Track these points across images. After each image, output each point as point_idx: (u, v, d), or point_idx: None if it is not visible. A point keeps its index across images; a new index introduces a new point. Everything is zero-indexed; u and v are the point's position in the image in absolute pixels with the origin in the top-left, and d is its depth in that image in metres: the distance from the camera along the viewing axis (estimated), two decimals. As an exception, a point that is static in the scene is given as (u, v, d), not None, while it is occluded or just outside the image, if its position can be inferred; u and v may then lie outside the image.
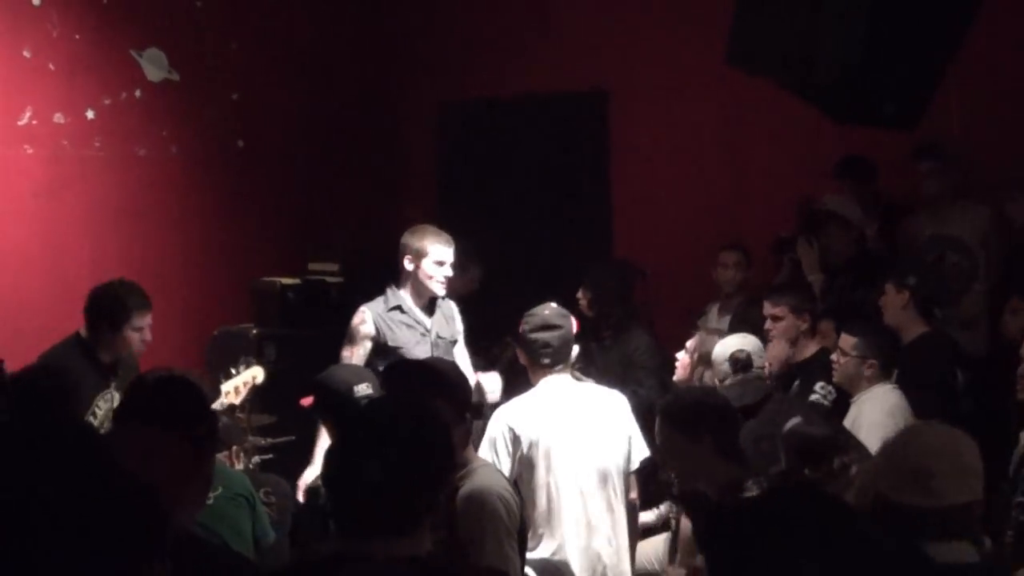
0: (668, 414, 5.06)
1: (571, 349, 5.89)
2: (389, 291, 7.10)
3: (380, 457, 3.09)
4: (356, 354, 6.93)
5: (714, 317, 8.35)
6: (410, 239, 7.09)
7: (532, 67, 9.92)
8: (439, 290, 7.07)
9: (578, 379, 6.00)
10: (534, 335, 5.80)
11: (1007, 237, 7.83)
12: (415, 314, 7.07)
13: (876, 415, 6.24)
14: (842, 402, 6.65)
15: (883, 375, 6.54)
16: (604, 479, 5.69)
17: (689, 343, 7.11)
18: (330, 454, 3.23)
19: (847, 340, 6.58)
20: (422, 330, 7.05)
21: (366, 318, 6.99)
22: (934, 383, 6.74)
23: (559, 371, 5.82)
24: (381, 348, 6.94)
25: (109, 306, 6.60)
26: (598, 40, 9.71)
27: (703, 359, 6.91)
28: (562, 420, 5.69)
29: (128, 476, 2.30)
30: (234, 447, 6.26)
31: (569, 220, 9.92)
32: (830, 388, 6.78)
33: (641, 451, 5.85)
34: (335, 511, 3.19)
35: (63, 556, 2.13)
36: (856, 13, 4.53)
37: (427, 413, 3.31)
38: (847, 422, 6.27)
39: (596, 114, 9.88)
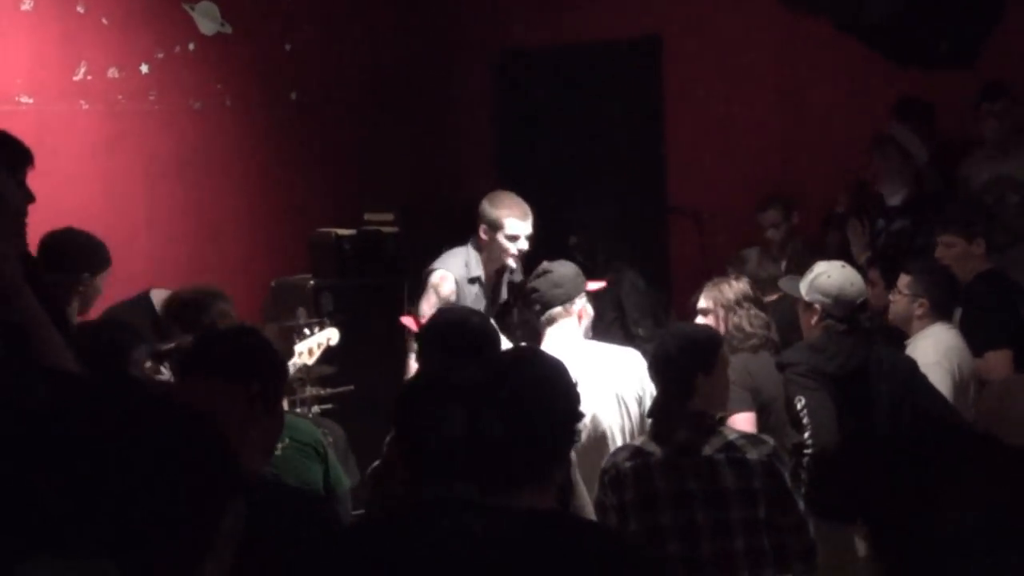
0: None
1: (566, 293, 5.60)
2: (469, 256, 7.01)
3: (499, 408, 3.09)
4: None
5: (754, 262, 8.12)
6: (487, 208, 6.93)
7: (586, 15, 9.88)
8: (512, 263, 7.02)
9: (588, 337, 5.73)
10: (528, 287, 5.68)
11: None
12: (488, 288, 7.05)
13: (930, 355, 6.16)
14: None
15: (936, 315, 6.45)
16: (601, 445, 5.37)
17: (704, 302, 6.37)
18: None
19: (903, 279, 6.50)
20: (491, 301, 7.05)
21: (448, 281, 6.93)
22: (996, 315, 6.67)
23: (560, 319, 5.58)
24: None
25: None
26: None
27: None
28: None
29: (196, 421, 2.33)
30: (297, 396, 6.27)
31: (624, 167, 9.89)
32: None
33: None
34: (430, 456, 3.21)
35: (141, 499, 2.17)
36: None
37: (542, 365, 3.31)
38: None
39: (650, 61, 9.83)
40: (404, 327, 6.76)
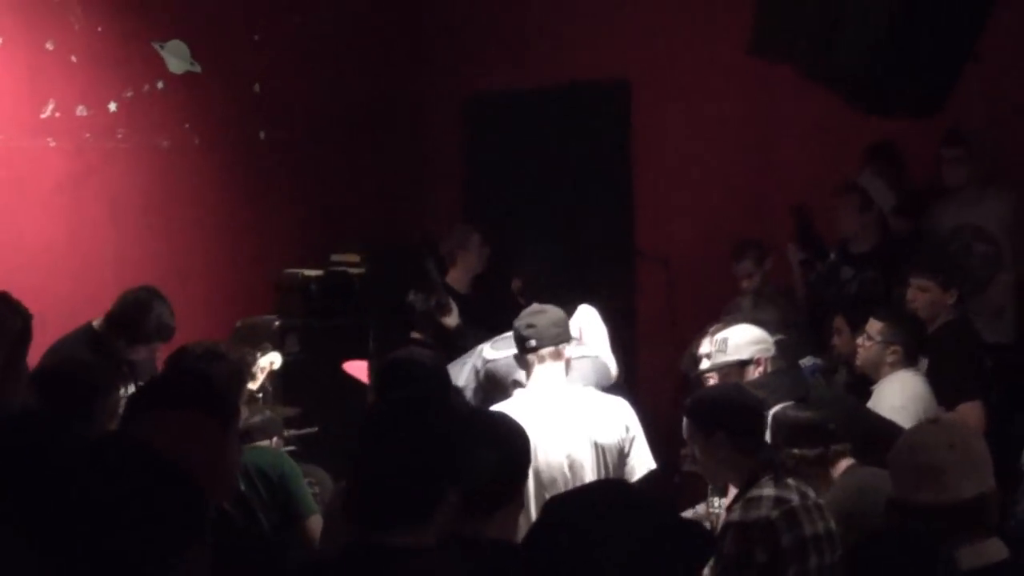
0: (687, 411, 5.08)
1: (561, 335, 5.58)
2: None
3: (388, 449, 3.17)
4: None
5: (748, 308, 8.18)
6: None
7: (555, 58, 9.90)
8: None
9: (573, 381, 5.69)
10: (519, 322, 5.62)
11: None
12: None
13: (897, 399, 6.24)
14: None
15: (906, 361, 6.53)
16: None
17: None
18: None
19: (874, 325, 6.59)
20: None
21: None
22: (965, 366, 6.72)
23: (549, 359, 5.52)
24: None
25: (132, 319, 6.60)
26: (621, 30, 9.68)
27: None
28: (542, 428, 5.17)
29: (167, 464, 2.34)
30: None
31: (592, 211, 9.90)
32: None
33: (644, 463, 5.49)
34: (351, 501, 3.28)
35: (111, 544, 2.18)
36: (878, 2, 4.53)
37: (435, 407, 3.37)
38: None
39: (619, 105, 9.86)
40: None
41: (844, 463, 5.35)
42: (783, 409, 5.49)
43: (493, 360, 6.34)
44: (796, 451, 5.31)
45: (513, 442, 3.82)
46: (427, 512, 3.16)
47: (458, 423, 3.45)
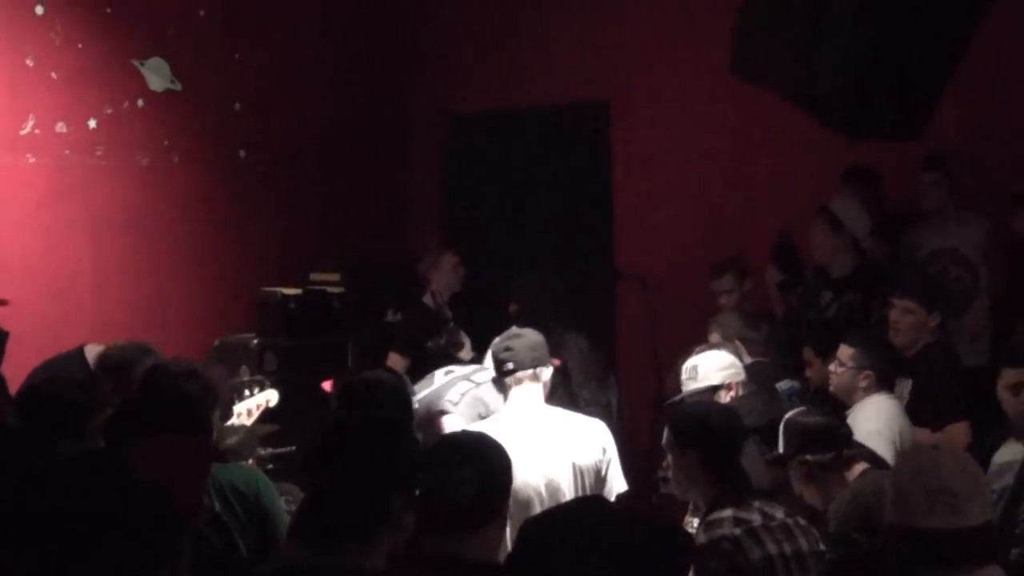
0: (669, 421, 5.10)
1: (539, 359, 5.56)
2: None
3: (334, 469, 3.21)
4: None
5: (739, 324, 8.13)
6: None
7: (536, 79, 9.93)
8: None
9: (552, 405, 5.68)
10: (498, 345, 5.62)
11: (1009, 251, 7.82)
12: None
13: (873, 424, 6.23)
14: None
15: (879, 386, 6.56)
16: None
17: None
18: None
19: (845, 351, 6.59)
20: None
21: None
22: (953, 386, 6.76)
23: (527, 382, 5.51)
24: None
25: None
26: (601, 53, 9.71)
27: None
28: (519, 450, 4.99)
29: (142, 484, 2.35)
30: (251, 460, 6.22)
31: (572, 231, 9.91)
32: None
33: (620, 484, 5.51)
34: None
35: (84, 564, 2.18)
36: (858, 24, 4.54)
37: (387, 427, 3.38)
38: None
39: (599, 126, 9.88)
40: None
41: (859, 467, 5.36)
42: (794, 415, 5.53)
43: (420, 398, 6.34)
44: (809, 457, 5.33)
45: (493, 460, 3.81)
46: (370, 532, 3.14)
47: (411, 442, 3.43)
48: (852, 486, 5.27)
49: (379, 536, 3.15)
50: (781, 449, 5.41)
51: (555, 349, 7.67)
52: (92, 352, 6.60)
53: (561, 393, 7.65)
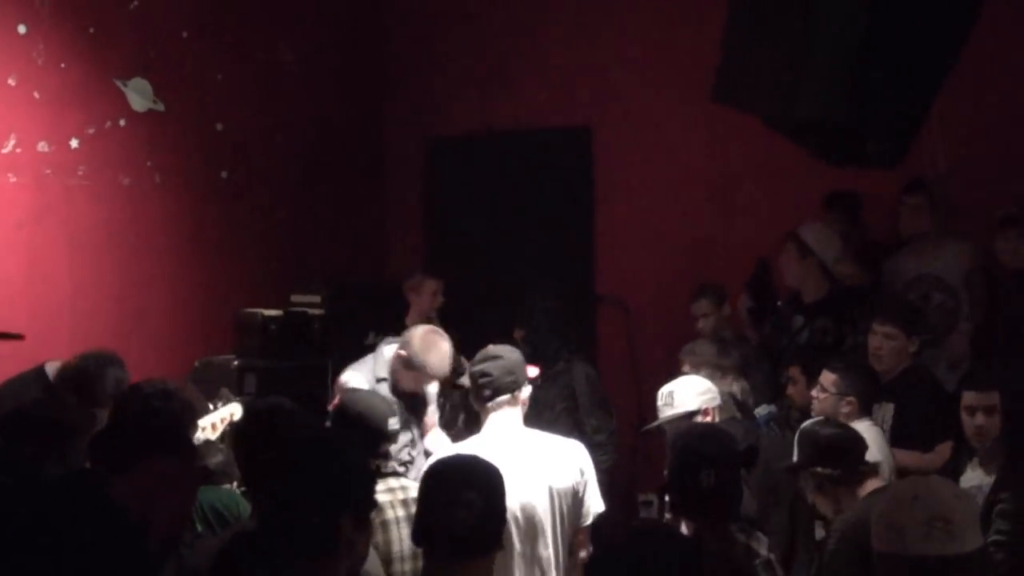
0: (672, 441, 5.14)
1: (516, 381, 5.49)
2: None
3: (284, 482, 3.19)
4: None
5: (714, 351, 8.14)
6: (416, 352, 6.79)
7: (518, 103, 9.96)
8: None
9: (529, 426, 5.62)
10: (475, 368, 5.53)
11: (991, 277, 7.84)
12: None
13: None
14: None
15: (861, 412, 6.57)
16: (534, 536, 5.26)
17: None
18: None
19: (828, 377, 6.62)
20: None
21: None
22: (937, 407, 6.80)
23: (506, 406, 5.45)
24: None
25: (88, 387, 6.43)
26: (583, 76, 9.74)
27: None
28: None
29: (115, 507, 2.34)
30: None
31: (553, 256, 9.91)
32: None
33: (597, 505, 5.44)
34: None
35: None
36: (841, 51, 4.55)
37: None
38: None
39: (581, 151, 9.90)
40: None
41: (871, 483, 5.37)
42: (811, 425, 5.56)
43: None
44: (819, 469, 5.35)
45: (494, 483, 3.78)
46: (321, 548, 3.12)
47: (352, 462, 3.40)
48: (861, 502, 5.26)
49: (326, 561, 3.13)
50: (795, 458, 5.46)
51: (562, 376, 7.78)
52: (52, 368, 6.57)
53: (566, 419, 7.66)
